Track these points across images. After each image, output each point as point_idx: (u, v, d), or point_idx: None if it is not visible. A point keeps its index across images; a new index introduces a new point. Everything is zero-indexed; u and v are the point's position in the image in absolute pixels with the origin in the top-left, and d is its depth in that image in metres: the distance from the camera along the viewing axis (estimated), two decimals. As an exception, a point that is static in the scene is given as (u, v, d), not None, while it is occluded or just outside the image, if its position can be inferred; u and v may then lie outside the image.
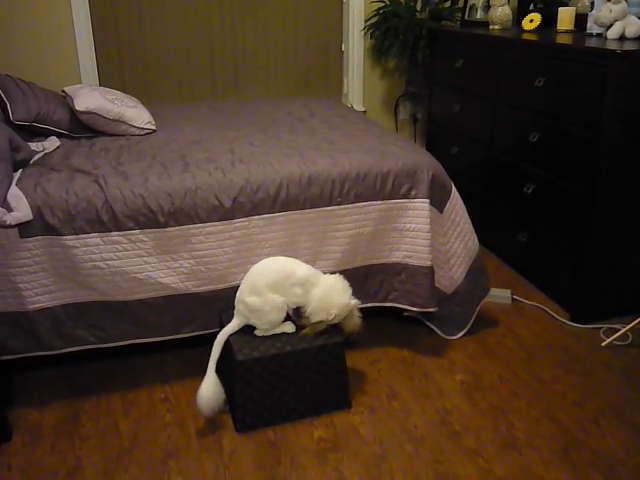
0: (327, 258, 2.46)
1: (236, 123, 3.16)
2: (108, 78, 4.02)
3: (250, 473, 2.01)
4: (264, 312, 2.19)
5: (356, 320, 2.29)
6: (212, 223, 2.31)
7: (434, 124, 4.04)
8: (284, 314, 2.23)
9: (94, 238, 2.22)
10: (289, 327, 2.26)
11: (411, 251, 2.50)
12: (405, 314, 2.70)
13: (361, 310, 2.50)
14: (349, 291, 2.25)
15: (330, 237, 2.45)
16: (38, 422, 2.24)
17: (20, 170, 2.43)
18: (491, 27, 3.64)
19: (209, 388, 2.12)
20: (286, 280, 2.20)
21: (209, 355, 2.19)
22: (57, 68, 3.85)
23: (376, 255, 2.53)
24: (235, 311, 2.25)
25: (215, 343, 2.20)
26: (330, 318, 2.20)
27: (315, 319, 2.21)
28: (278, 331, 2.24)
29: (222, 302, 2.36)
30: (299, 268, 2.24)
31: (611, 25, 2.81)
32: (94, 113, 2.86)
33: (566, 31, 3.23)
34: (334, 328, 2.26)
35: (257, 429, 2.19)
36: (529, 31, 3.38)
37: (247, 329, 2.25)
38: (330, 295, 2.21)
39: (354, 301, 2.25)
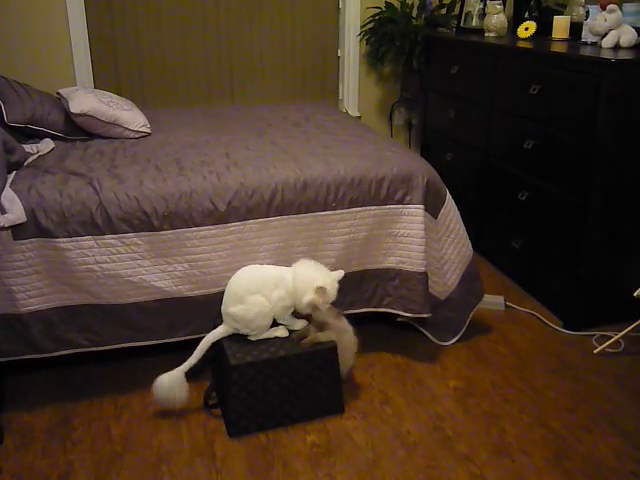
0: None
1: (231, 127, 3.16)
2: (103, 80, 4.01)
3: (242, 478, 2.00)
4: (248, 320, 2.19)
5: (349, 340, 2.30)
6: (207, 227, 2.31)
7: (429, 130, 4.05)
8: (270, 319, 2.23)
9: (88, 241, 2.22)
10: (282, 332, 2.26)
11: (405, 257, 2.50)
12: (398, 320, 2.70)
13: (354, 315, 2.51)
14: (318, 270, 2.21)
15: (325, 242, 2.45)
16: (30, 425, 2.23)
17: (14, 172, 2.42)
18: (486, 34, 3.65)
19: (168, 383, 2.18)
20: (265, 285, 2.20)
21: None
22: (52, 70, 3.85)
23: (370, 260, 2.53)
24: (223, 321, 2.26)
25: (197, 348, 2.22)
26: (307, 301, 2.16)
27: (302, 300, 2.19)
28: (271, 335, 2.24)
29: (216, 306, 2.35)
30: (271, 270, 2.25)
31: (606, 34, 2.83)
32: (89, 115, 2.86)
33: (561, 39, 3.25)
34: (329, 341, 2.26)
35: (250, 434, 2.19)
36: (524, 39, 3.39)
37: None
38: (301, 277, 2.19)
39: (327, 277, 2.19)
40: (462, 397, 2.39)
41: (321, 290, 2.15)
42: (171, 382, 2.18)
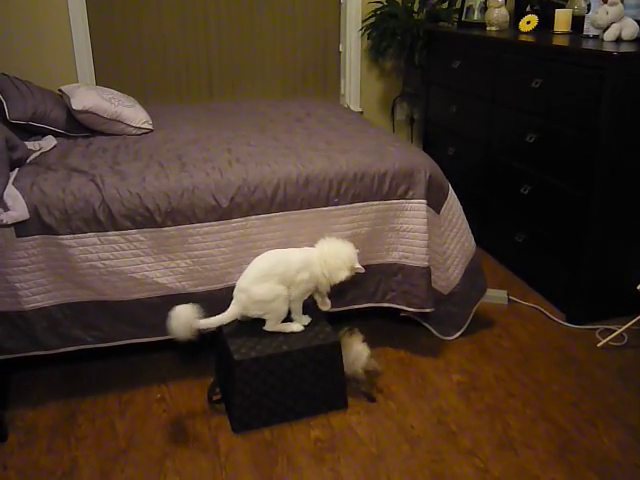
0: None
1: (233, 123, 3.16)
2: (105, 77, 4.01)
3: (247, 473, 2.01)
4: (267, 302, 2.20)
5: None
6: (209, 223, 2.31)
7: (431, 125, 4.05)
8: (287, 306, 2.24)
9: (91, 237, 2.22)
10: (297, 327, 2.27)
11: (408, 252, 2.50)
12: (402, 314, 2.70)
13: (358, 310, 2.52)
14: (346, 246, 2.30)
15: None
16: (34, 422, 2.24)
17: (17, 169, 2.42)
18: (488, 28, 3.64)
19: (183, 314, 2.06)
20: (288, 271, 2.22)
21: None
22: (54, 67, 3.84)
23: (373, 255, 2.53)
24: (233, 301, 2.24)
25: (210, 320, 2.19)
26: (344, 278, 2.26)
27: (339, 273, 2.26)
28: (287, 329, 2.25)
29: (219, 302, 2.35)
30: (296, 254, 2.28)
31: (607, 27, 2.81)
32: (91, 112, 2.85)
33: (563, 33, 3.24)
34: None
35: (254, 429, 2.19)
36: (526, 33, 3.38)
37: (245, 328, 2.25)
38: (335, 253, 2.26)
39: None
40: (466, 391, 2.40)
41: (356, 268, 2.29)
42: (183, 315, 2.07)
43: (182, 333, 2.05)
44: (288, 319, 2.30)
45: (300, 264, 2.24)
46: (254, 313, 2.22)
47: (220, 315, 2.21)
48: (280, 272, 2.21)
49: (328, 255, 2.26)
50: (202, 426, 2.21)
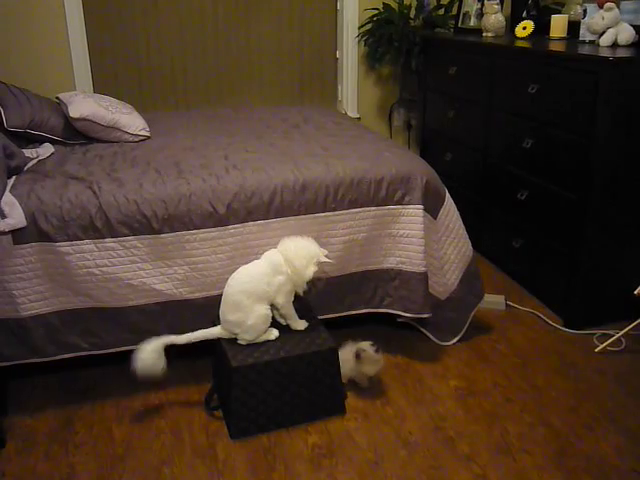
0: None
1: (230, 129, 3.16)
2: (102, 85, 4.02)
3: (244, 480, 2.01)
4: (249, 326, 2.19)
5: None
6: (206, 229, 2.31)
7: (428, 131, 4.06)
8: (269, 322, 2.24)
9: (88, 244, 2.22)
10: (273, 334, 2.26)
11: (405, 257, 2.50)
12: (399, 320, 2.70)
13: (355, 316, 2.52)
14: (308, 242, 2.25)
15: (324, 243, 2.45)
16: (32, 429, 2.24)
17: (14, 177, 2.43)
18: (484, 34, 3.65)
19: (148, 350, 2.18)
20: (258, 285, 2.20)
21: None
22: (51, 75, 3.86)
23: (370, 261, 2.53)
24: (221, 325, 2.26)
25: (190, 335, 2.23)
26: (311, 275, 2.21)
27: (306, 272, 2.21)
28: (263, 339, 2.24)
29: (216, 308, 2.35)
30: (260, 266, 2.24)
31: (604, 32, 2.83)
32: (88, 120, 2.86)
33: (559, 38, 3.25)
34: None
35: (251, 435, 2.19)
36: (522, 38, 3.39)
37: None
38: (298, 254, 2.21)
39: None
40: (463, 397, 2.39)
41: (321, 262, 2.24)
42: (151, 350, 2.18)
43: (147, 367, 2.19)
44: (284, 326, 2.31)
45: (268, 275, 2.21)
46: (240, 336, 2.22)
47: (206, 330, 2.24)
48: (251, 290, 2.18)
49: (292, 256, 2.20)
50: (200, 433, 2.21)
